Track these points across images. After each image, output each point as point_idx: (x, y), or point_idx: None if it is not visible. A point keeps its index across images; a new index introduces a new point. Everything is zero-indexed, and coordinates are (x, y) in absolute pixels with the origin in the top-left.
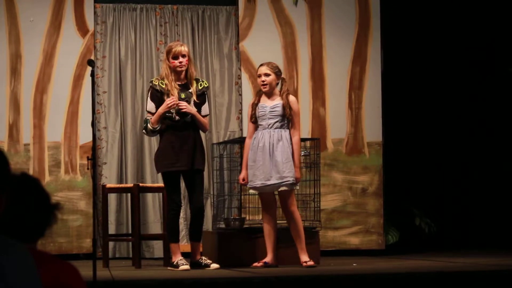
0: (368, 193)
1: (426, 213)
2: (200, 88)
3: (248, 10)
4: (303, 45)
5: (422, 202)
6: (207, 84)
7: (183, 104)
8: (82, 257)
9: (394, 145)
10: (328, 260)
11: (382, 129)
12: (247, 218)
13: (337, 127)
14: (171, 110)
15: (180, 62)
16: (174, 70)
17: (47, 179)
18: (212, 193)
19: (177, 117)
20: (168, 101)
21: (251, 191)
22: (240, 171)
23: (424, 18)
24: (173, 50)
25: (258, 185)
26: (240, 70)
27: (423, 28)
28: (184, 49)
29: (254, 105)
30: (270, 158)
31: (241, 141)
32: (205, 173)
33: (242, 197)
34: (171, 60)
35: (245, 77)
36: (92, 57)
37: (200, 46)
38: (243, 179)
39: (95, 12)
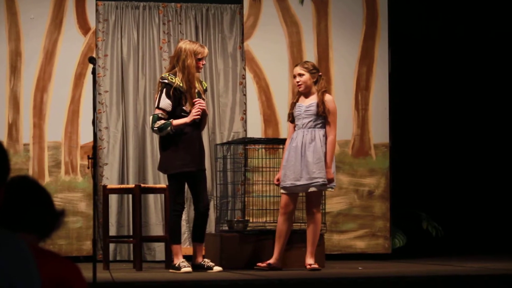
0: (375, 196)
1: (434, 217)
2: (204, 88)
3: (253, 8)
4: (309, 45)
5: (430, 205)
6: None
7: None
8: (82, 259)
9: (402, 147)
10: (333, 264)
11: (389, 130)
12: (251, 220)
13: (343, 128)
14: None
15: (203, 64)
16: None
17: (47, 179)
18: (215, 195)
19: None
20: (201, 106)
21: (255, 194)
22: (243, 173)
23: (432, 17)
24: (203, 52)
25: (288, 185)
26: (245, 69)
27: (431, 28)
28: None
29: (292, 104)
30: (302, 158)
31: (245, 142)
32: (208, 175)
33: (246, 199)
34: (197, 61)
35: (249, 77)
36: (94, 56)
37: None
38: (278, 180)
39: (97, 10)
